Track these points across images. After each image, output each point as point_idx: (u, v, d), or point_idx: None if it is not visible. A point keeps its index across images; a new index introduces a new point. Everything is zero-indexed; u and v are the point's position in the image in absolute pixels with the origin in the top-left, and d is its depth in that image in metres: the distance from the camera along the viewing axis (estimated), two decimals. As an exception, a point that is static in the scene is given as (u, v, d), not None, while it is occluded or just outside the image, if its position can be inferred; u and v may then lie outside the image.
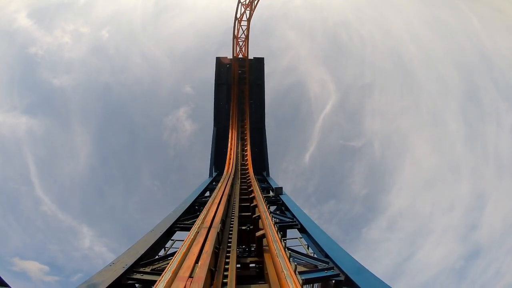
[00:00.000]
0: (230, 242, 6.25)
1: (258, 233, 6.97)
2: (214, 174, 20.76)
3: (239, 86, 25.53)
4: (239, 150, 20.87)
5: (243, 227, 7.67)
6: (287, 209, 13.22)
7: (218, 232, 5.94)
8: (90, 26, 51.98)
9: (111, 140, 54.75)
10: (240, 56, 26.89)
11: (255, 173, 18.09)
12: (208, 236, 5.71)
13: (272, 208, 14.23)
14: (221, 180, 14.10)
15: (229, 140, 22.01)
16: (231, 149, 20.65)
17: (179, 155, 55.26)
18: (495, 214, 41.65)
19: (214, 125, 24.38)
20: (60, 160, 49.55)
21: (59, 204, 43.75)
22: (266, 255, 6.60)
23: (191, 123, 54.09)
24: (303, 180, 54.01)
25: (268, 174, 21.01)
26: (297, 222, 10.90)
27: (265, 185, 17.99)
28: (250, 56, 26.89)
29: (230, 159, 19.10)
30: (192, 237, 5.94)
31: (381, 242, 46.34)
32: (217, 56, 26.21)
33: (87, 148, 50.56)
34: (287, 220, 11.47)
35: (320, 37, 58.70)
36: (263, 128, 24.10)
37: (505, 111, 47.79)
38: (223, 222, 7.06)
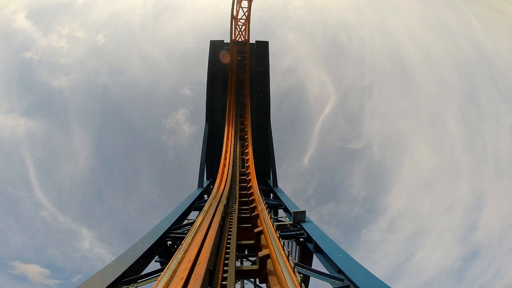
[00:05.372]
0: None
1: None
2: (205, 184, 15.12)
3: (238, 75, 19.70)
4: (238, 153, 15.08)
5: None
6: (319, 250, 7.68)
7: None
8: (89, 27, 48.04)
9: (110, 141, 50.77)
10: (240, 40, 21.25)
11: (258, 183, 12.37)
12: None
13: (282, 237, 8.72)
14: (208, 203, 8.40)
15: (225, 140, 16.25)
16: (226, 152, 14.85)
17: (178, 156, 50.86)
18: (494, 215, 39.65)
19: (206, 121, 18.38)
20: (59, 162, 45.91)
21: (59, 206, 40.66)
22: None
23: (190, 125, 49.52)
24: (302, 182, 49.95)
25: (275, 184, 15.20)
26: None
27: (273, 202, 12.45)
28: (251, 41, 21.26)
29: (224, 165, 13.28)
30: None
31: (380, 244, 44.02)
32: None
33: (86, 150, 46.72)
34: (331, 280, 5.93)
35: (319, 39, 54.85)
36: (268, 126, 18.12)
37: (504, 112, 46.15)
38: None
